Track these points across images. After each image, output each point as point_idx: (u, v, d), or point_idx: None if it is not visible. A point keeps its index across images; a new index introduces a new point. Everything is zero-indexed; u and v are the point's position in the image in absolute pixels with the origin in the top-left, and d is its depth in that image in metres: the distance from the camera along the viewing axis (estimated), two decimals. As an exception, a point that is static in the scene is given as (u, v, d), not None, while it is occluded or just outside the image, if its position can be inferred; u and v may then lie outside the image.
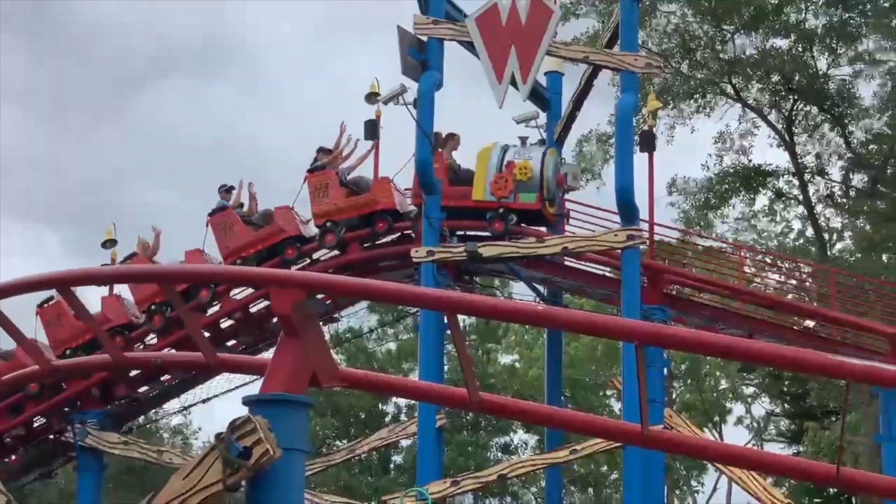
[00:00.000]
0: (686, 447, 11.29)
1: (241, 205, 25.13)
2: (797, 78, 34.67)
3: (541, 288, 25.98)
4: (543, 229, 23.17)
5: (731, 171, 36.83)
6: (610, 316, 12.56)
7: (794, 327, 24.92)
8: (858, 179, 37.32)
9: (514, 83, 22.34)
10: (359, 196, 23.87)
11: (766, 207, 40.10)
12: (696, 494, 60.70)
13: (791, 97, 35.78)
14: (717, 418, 59.77)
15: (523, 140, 23.58)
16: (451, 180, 23.16)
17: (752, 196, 38.21)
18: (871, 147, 35.93)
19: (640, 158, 23.35)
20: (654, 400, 21.55)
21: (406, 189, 23.98)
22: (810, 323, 25.33)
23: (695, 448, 11.25)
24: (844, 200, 37.17)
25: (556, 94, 26.68)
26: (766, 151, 39.04)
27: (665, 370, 27.44)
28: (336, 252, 23.99)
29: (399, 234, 23.85)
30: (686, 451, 13.04)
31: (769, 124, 36.73)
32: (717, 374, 56.49)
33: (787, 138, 36.27)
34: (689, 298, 23.99)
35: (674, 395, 57.05)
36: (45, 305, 24.67)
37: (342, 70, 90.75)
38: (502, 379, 55.83)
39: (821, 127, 36.55)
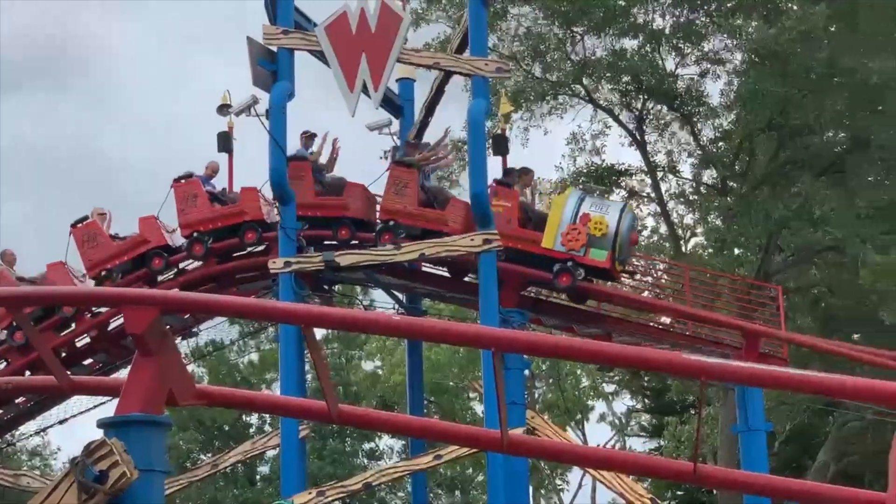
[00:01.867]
0: (545, 452, 11.38)
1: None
2: (646, 78, 35.15)
3: (400, 295, 25.97)
4: None
5: (585, 171, 37.24)
6: (466, 324, 12.60)
7: (652, 324, 25.23)
8: (708, 176, 38.04)
9: (366, 91, 22.27)
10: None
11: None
12: (560, 493, 61.23)
13: (641, 97, 36.29)
14: (579, 416, 60.36)
15: (602, 192, 23.33)
16: (521, 221, 22.63)
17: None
18: (719, 144, 36.67)
19: (494, 162, 23.51)
20: (514, 402, 21.62)
21: (274, 199, 23.75)
22: (667, 320, 25.68)
23: (555, 452, 11.36)
24: (696, 197, 37.83)
25: (408, 101, 26.62)
26: (619, 151, 39.59)
27: (526, 371, 27.59)
28: (199, 263, 23.70)
29: (266, 245, 23.60)
30: (546, 456, 13.13)
31: (620, 124, 37.23)
32: (578, 372, 57.06)
33: (638, 137, 36.80)
34: (546, 300, 24.12)
35: (536, 395, 57.46)
36: (79, 225, 24.06)
37: (199, 80, 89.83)
38: (365, 386, 55.80)
39: (671, 126, 37.17)
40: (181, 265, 24.03)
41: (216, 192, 23.92)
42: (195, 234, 23.33)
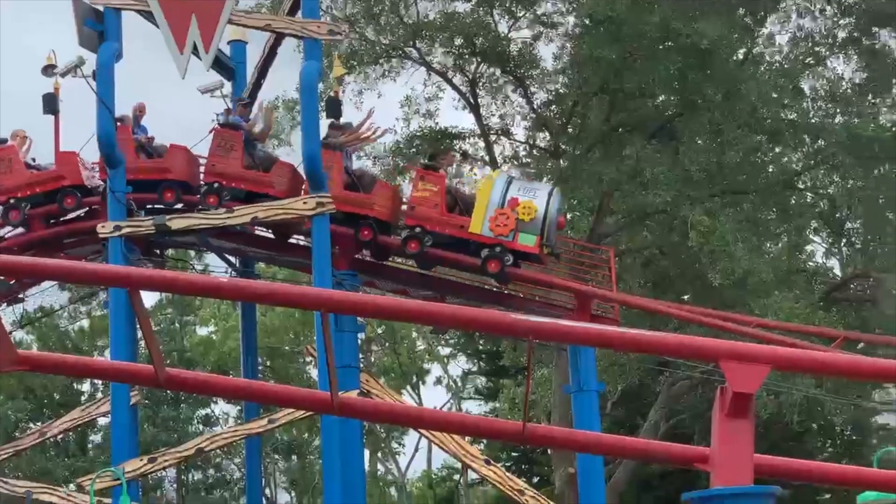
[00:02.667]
0: (376, 413, 11.35)
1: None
2: (480, 41, 35.20)
3: (234, 259, 25.71)
4: None
5: (419, 134, 37.19)
6: (292, 285, 12.44)
7: (486, 287, 25.32)
8: (541, 139, 38.31)
9: (196, 53, 21.88)
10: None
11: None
12: (397, 456, 61.54)
13: (474, 60, 36.33)
14: (415, 380, 60.69)
15: (529, 176, 22.93)
16: (448, 205, 22.31)
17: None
18: (552, 108, 36.92)
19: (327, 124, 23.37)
20: (349, 365, 21.65)
21: (93, 163, 23.23)
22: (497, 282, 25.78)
23: (385, 414, 11.33)
24: (529, 160, 38.07)
25: (240, 63, 26.25)
26: (453, 114, 39.59)
27: (361, 335, 27.53)
28: (21, 230, 23.08)
29: (88, 209, 23.08)
30: (377, 418, 13.11)
31: (454, 87, 37.24)
32: (414, 335, 57.26)
33: (471, 101, 36.86)
34: (379, 263, 24.08)
35: (372, 359, 57.59)
36: None
37: (25, 40, 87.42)
38: (199, 352, 55.30)
39: (504, 89, 37.28)
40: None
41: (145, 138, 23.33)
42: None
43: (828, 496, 45.87)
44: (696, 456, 10.13)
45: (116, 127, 21.74)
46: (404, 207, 23.25)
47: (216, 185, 22.13)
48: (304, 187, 22.31)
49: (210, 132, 22.82)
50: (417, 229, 22.20)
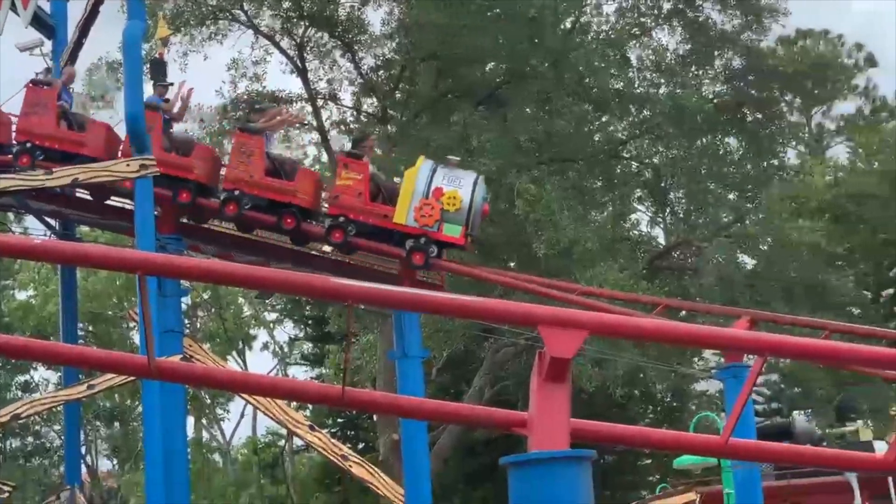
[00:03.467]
0: (195, 377, 11.16)
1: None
2: (308, 4, 34.89)
3: (54, 222, 25.11)
4: None
5: (246, 97, 36.76)
6: (109, 247, 12.18)
7: (314, 252, 25.15)
8: (369, 105, 38.18)
9: (14, 9, 21.27)
10: None
11: (281, 134, 40.28)
12: (222, 422, 61.11)
13: (302, 24, 36.01)
14: (242, 345, 60.29)
15: (454, 162, 22.00)
16: (372, 194, 21.67)
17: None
18: (380, 73, 36.80)
19: (151, 86, 22.93)
20: (172, 330, 21.32)
21: None
22: (328, 248, 25.63)
23: (203, 378, 11.15)
24: (356, 126, 37.92)
25: (61, 21, 25.61)
26: (280, 78, 39.19)
27: (186, 299, 27.15)
28: None
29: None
30: (195, 382, 12.92)
31: (282, 51, 36.88)
32: (240, 301, 56.84)
33: (299, 65, 36.54)
34: (204, 227, 23.73)
35: (198, 325, 56.99)
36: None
37: None
38: (18, 317, 54.03)
39: (332, 53, 37.02)
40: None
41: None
42: None
43: (648, 461, 46.92)
44: (515, 420, 10.17)
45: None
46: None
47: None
48: (120, 149, 21.84)
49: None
50: (341, 219, 21.83)
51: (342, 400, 9.86)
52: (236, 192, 21.93)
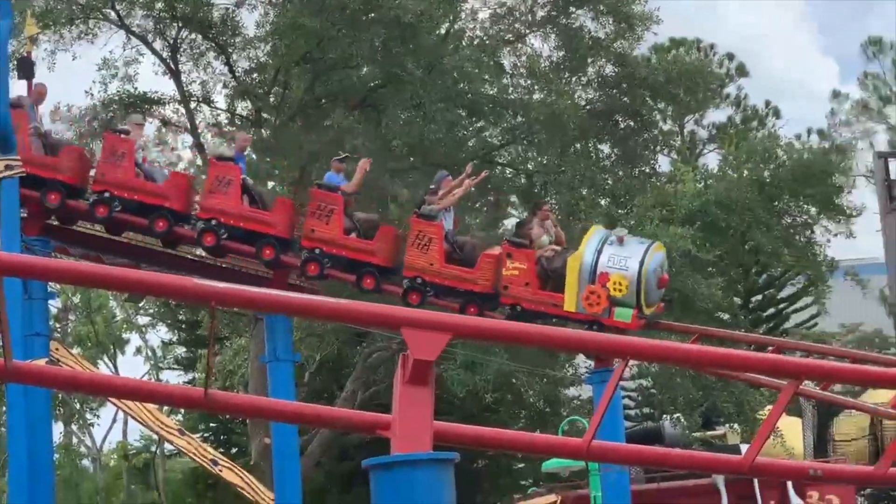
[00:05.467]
0: (55, 380, 10.98)
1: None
2: (181, 6, 34.49)
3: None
4: None
5: (117, 98, 36.19)
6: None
7: (188, 256, 24.95)
8: (243, 108, 37.89)
9: None
10: None
11: (155, 136, 39.90)
12: (91, 427, 60.30)
13: (176, 25, 35.59)
14: (113, 350, 59.57)
15: (620, 238, 20.97)
16: (540, 280, 21.21)
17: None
18: (254, 76, 36.54)
19: (19, 86, 22.64)
20: (38, 333, 21.04)
21: None
22: (201, 252, 25.46)
23: (66, 380, 10.99)
24: (230, 129, 37.60)
25: (-77, 19, 25.04)
26: (153, 79, 38.55)
27: (55, 302, 26.74)
28: None
29: None
30: (57, 384, 12.73)
31: (154, 52, 36.37)
32: (112, 304, 56.13)
33: (172, 66, 36.12)
34: (72, 229, 23.41)
35: (69, 329, 56.19)
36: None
37: None
38: None
39: (206, 55, 36.63)
40: None
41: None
42: None
43: (522, 465, 47.23)
44: (379, 423, 10.17)
45: None
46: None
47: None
48: None
49: None
50: (518, 308, 21.54)
51: (205, 402, 9.78)
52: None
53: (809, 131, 68.46)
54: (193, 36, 35.96)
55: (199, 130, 36.80)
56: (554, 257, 22.02)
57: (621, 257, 20.71)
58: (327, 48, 33.06)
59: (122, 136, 22.48)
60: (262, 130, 35.53)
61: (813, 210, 48.41)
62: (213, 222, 22.11)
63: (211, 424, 50.33)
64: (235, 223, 22.17)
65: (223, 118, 38.02)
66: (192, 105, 36.74)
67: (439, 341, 9.57)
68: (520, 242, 22.14)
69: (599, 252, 20.83)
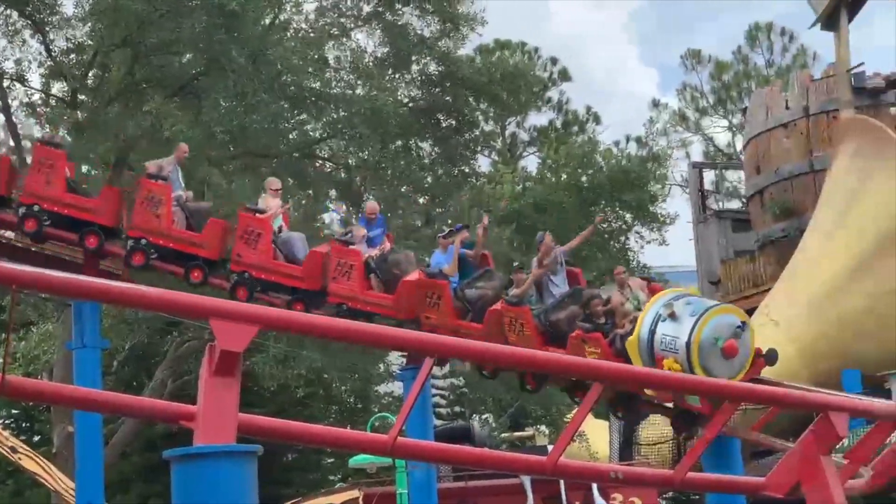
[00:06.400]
0: None
1: None
2: (-2, -19, 33.58)
3: None
4: None
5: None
6: None
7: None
8: (59, 89, 36.97)
9: None
10: None
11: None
12: None
13: (-7, 2, 34.59)
14: None
15: (671, 313, 18.79)
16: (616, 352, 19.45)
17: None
18: (71, 57, 35.67)
19: None
20: None
21: None
22: (11, 234, 24.80)
23: None
24: (45, 110, 36.67)
25: None
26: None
27: None
28: None
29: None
30: None
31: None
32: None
33: (-17, 42, 35.08)
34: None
35: None
36: None
37: None
38: None
39: (21, 33, 35.63)
40: None
41: None
42: None
43: (332, 461, 47.11)
44: (183, 413, 10.05)
45: None
46: None
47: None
48: None
49: None
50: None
51: (2, 388, 9.52)
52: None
53: (628, 138, 69.82)
54: (8, 12, 34.94)
55: (12, 110, 35.78)
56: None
57: (671, 338, 18.81)
58: (148, 32, 32.47)
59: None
60: (78, 113, 34.68)
61: (628, 216, 49.46)
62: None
63: (13, 411, 49.08)
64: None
65: (38, 98, 37.05)
66: (5, 83, 35.70)
67: (247, 333, 9.47)
68: (592, 328, 20.49)
69: (653, 332, 19.02)
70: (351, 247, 21.76)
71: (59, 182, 21.63)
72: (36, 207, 21.48)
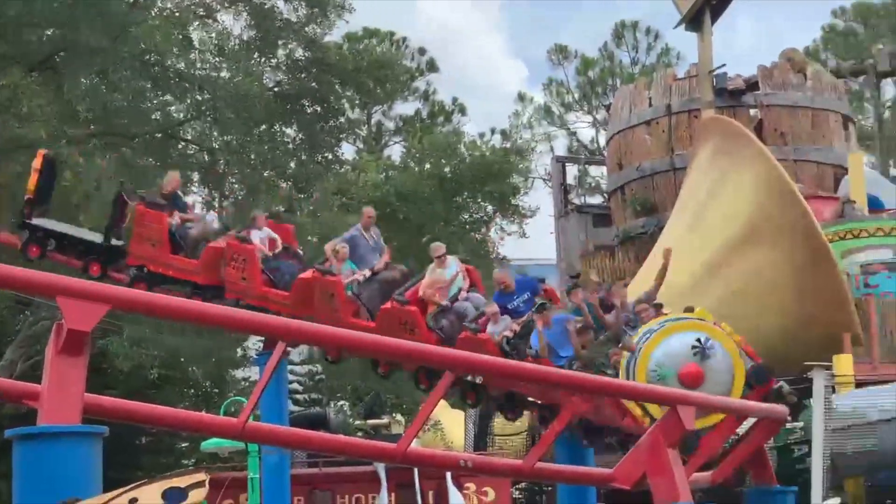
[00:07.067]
0: None
1: None
2: None
3: None
4: None
5: None
6: None
7: None
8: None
9: None
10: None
11: None
12: None
13: None
14: None
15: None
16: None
17: None
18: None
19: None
20: None
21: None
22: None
23: None
24: None
25: None
26: None
27: None
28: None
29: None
30: None
31: None
32: None
33: None
34: None
35: None
36: None
37: None
38: None
39: None
40: None
41: None
42: None
43: (185, 444, 46.74)
44: (27, 392, 9.93)
45: None
46: None
47: None
48: None
49: None
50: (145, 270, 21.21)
51: None
52: None
53: (493, 131, 70.11)
54: None
55: None
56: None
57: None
58: (5, 6, 31.84)
59: None
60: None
61: (490, 208, 49.81)
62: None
63: None
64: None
65: None
66: None
67: (96, 312, 9.37)
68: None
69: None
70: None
71: (163, 244, 21.19)
72: (144, 269, 21.28)
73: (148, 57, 33.80)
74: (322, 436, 12.34)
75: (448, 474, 29.05)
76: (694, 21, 39.44)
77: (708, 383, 16.27)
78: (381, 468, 28.42)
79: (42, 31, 34.11)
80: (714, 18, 39.61)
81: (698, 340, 16.75)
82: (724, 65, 40.03)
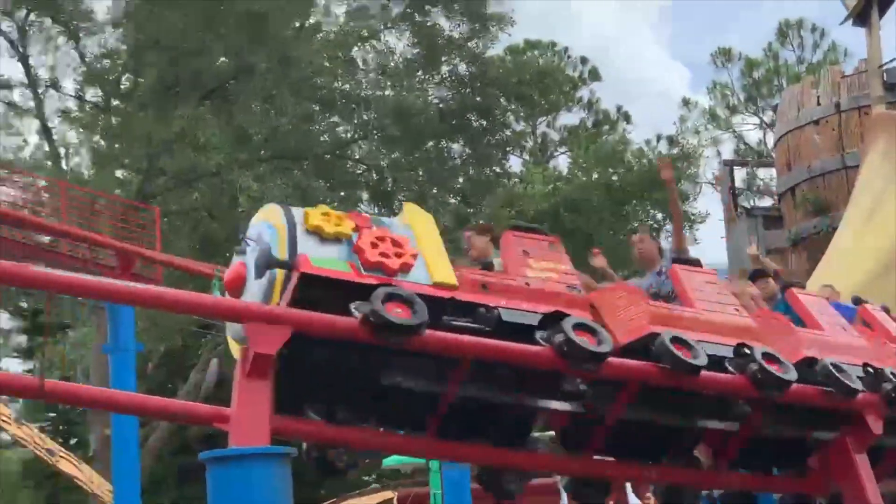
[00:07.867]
0: None
1: None
2: (33, -12, 33.92)
3: None
4: None
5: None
6: None
7: (27, 242, 24.46)
8: (92, 94, 37.25)
9: None
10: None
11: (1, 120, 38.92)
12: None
13: (25, 7, 34.89)
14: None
15: None
16: None
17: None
18: (104, 62, 35.95)
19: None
20: None
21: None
22: (46, 238, 25.05)
23: None
24: (80, 115, 36.95)
25: None
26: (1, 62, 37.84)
27: None
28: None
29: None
30: None
31: (1, 34, 35.64)
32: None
33: (21, 49, 35.40)
34: None
35: None
36: None
37: None
38: None
39: (55, 39, 35.97)
40: None
41: None
42: None
43: (366, 461, 47.13)
44: (217, 416, 10.12)
45: None
46: None
47: None
48: None
49: None
50: None
51: (41, 392, 9.63)
52: None
53: (659, 137, 69.33)
54: (42, 20, 35.26)
55: (47, 115, 36.10)
56: None
57: None
58: (180, 37, 32.68)
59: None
60: (112, 118, 34.94)
61: (659, 215, 49.40)
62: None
63: (50, 414, 49.40)
64: None
65: (72, 104, 37.35)
66: (41, 90, 36.01)
67: (280, 335, 9.55)
68: None
69: None
70: None
71: None
72: None
73: (314, 80, 34.36)
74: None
75: (628, 485, 28.87)
76: (861, 16, 38.64)
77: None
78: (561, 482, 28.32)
79: (212, 60, 34.91)
80: (882, 13, 38.76)
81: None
82: (893, 59, 39.17)
